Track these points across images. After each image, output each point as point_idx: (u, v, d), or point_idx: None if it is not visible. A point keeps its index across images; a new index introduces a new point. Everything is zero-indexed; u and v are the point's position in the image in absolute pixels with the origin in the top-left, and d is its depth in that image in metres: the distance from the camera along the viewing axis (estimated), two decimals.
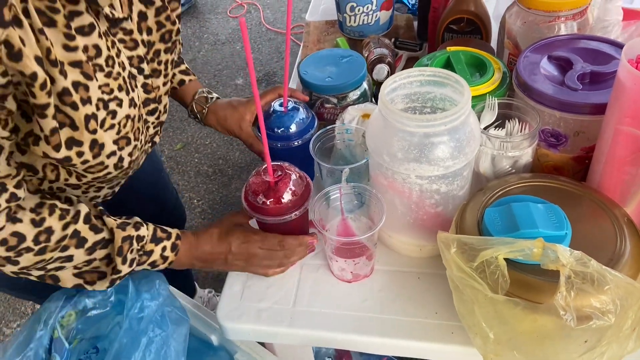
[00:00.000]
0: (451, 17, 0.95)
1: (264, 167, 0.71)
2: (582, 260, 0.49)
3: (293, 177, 0.70)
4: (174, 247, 0.71)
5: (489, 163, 0.71)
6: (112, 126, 0.61)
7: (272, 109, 0.82)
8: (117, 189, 0.83)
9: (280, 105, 0.82)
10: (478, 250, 0.54)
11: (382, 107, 0.62)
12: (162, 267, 0.71)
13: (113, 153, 0.63)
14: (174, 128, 2.42)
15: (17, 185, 0.56)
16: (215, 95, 0.92)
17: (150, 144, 0.79)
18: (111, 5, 0.57)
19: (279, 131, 0.80)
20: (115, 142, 0.62)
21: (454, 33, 0.97)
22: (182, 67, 0.92)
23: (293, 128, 0.81)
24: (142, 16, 0.65)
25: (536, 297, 0.52)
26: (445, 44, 0.94)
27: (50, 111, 0.53)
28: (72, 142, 0.57)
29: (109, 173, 0.66)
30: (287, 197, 0.69)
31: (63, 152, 0.56)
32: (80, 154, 0.58)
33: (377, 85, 0.98)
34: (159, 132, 0.80)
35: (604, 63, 0.71)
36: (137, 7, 0.63)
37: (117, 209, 0.90)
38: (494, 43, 0.97)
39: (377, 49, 1.00)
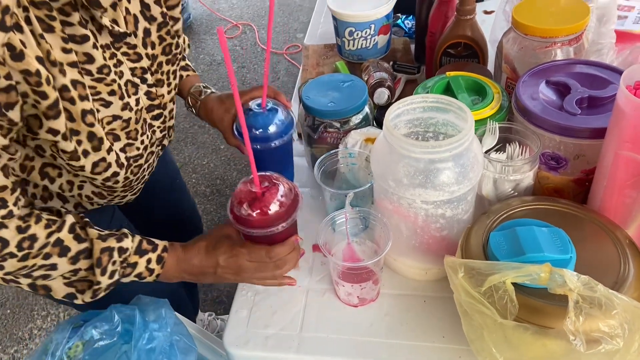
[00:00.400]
0: (448, 41, 0.97)
1: (251, 177, 0.69)
2: (589, 285, 0.50)
3: (281, 187, 0.69)
4: (159, 260, 0.71)
5: (491, 186, 0.72)
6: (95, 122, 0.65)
7: (248, 108, 0.82)
8: (138, 193, 0.87)
9: (258, 105, 0.81)
10: (486, 275, 0.55)
11: (387, 133, 0.63)
12: (149, 279, 0.71)
13: (110, 149, 0.68)
14: (170, 149, 2.43)
15: (15, 202, 0.59)
16: (211, 89, 0.95)
17: (160, 147, 0.85)
18: (113, 21, 0.63)
19: (257, 132, 0.80)
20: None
21: (451, 57, 0.99)
22: (183, 63, 0.97)
23: (272, 129, 0.80)
24: (147, 32, 0.70)
25: (545, 322, 0.52)
26: (443, 68, 0.95)
27: (60, 107, 0.58)
28: (72, 133, 0.62)
29: (116, 173, 0.71)
30: (274, 208, 0.67)
31: (71, 144, 0.62)
32: (79, 143, 0.63)
33: (377, 108, 0.99)
34: (167, 135, 0.85)
35: (601, 88, 0.72)
36: (142, 24, 0.69)
37: (138, 215, 0.93)
38: (490, 67, 0.99)
39: (376, 73, 1.02)
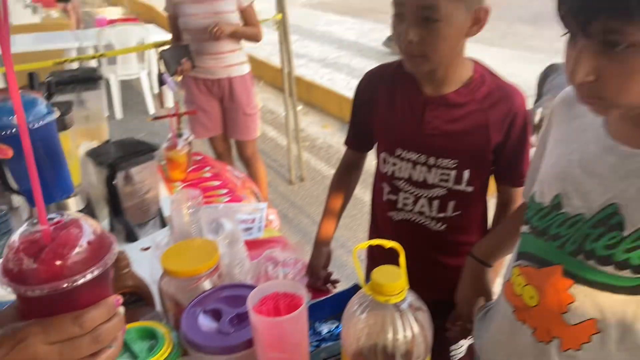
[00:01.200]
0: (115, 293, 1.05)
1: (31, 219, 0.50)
2: None
3: (82, 222, 0.51)
4: None
5: None
6: None
7: None
8: None
9: None
10: None
11: None
12: None
13: None
14: None
15: None
16: None
17: None
18: None
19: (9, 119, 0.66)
20: None
21: (123, 304, 1.07)
22: None
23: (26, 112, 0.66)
24: None
25: None
26: None
27: None
28: None
29: None
30: (76, 251, 0.48)
31: None
32: None
33: None
34: None
35: (243, 304, 0.94)
36: None
37: None
38: (160, 304, 1.11)
39: None
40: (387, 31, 7.16)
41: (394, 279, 0.79)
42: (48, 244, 0.47)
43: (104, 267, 0.50)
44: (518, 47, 6.32)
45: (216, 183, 1.93)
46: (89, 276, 0.48)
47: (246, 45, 2.91)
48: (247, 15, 2.80)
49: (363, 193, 3.36)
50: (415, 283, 0.82)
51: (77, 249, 0.48)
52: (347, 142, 1.43)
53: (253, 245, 1.47)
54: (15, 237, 0.49)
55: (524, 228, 0.95)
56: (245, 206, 1.76)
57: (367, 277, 0.79)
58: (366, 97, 1.30)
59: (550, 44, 4.82)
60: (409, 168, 1.20)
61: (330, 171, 4.03)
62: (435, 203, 1.21)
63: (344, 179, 1.47)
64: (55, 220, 0.50)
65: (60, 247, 0.48)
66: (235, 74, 2.86)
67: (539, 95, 3.05)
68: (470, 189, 1.18)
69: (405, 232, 1.23)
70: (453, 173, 1.16)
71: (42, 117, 0.73)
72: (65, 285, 0.46)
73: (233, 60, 2.79)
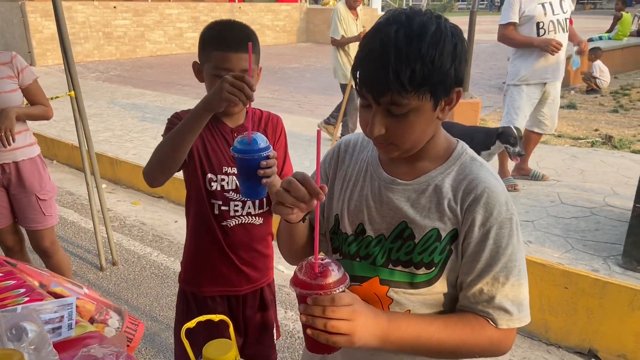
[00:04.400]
0: None
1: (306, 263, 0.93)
2: None
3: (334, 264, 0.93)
4: None
5: None
6: None
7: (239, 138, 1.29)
8: None
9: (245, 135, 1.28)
10: None
11: None
12: None
13: None
14: None
15: None
16: None
17: None
18: None
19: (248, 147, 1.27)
20: None
21: None
22: None
23: (260, 145, 1.28)
24: None
25: None
26: None
27: None
28: None
29: None
30: (333, 276, 0.91)
31: None
32: None
33: None
34: None
35: None
36: None
37: None
38: None
39: None
40: (190, 103, 7.27)
41: (225, 351, 0.82)
42: (318, 273, 0.90)
43: (345, 287, 0.92)
44: (313, 114, 7.08)
45: (10, 283, 1.67)
46: (338, 290, 0.90)
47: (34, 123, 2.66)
48: (32, 94, 2.57)
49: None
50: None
51: (333, 275, 0.90)
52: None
53: (66, 345, 1.31)
54: (300, 266, 0.92)
55: (335, 256, 1.12)
56: (48, 304, 1.56)
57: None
58: None
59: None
60: (234, 180, 1.58)
61: (145, 249, 3.78)
62: (257, 202, 1.61)
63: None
64: (323, 257, 0.94)
65: (324, 274, 0.90)
66: (22, 157, 2.55)
67: None
68: None
69: (239, 234, 1.61)
70: None
71: (265, 148, 1.29)
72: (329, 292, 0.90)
73: (19, 143, 2.49)
